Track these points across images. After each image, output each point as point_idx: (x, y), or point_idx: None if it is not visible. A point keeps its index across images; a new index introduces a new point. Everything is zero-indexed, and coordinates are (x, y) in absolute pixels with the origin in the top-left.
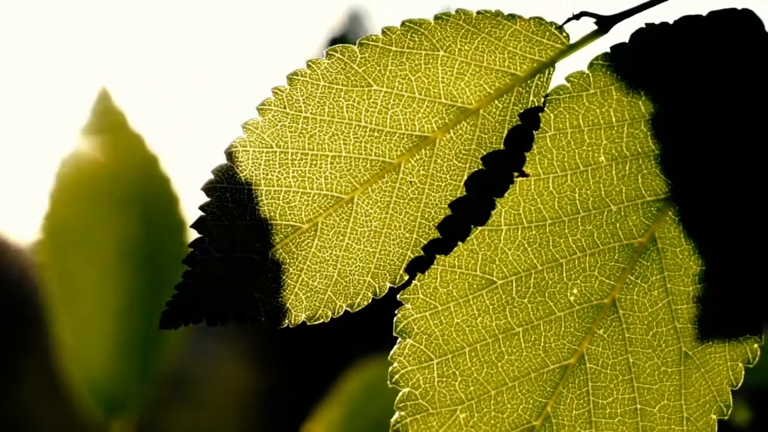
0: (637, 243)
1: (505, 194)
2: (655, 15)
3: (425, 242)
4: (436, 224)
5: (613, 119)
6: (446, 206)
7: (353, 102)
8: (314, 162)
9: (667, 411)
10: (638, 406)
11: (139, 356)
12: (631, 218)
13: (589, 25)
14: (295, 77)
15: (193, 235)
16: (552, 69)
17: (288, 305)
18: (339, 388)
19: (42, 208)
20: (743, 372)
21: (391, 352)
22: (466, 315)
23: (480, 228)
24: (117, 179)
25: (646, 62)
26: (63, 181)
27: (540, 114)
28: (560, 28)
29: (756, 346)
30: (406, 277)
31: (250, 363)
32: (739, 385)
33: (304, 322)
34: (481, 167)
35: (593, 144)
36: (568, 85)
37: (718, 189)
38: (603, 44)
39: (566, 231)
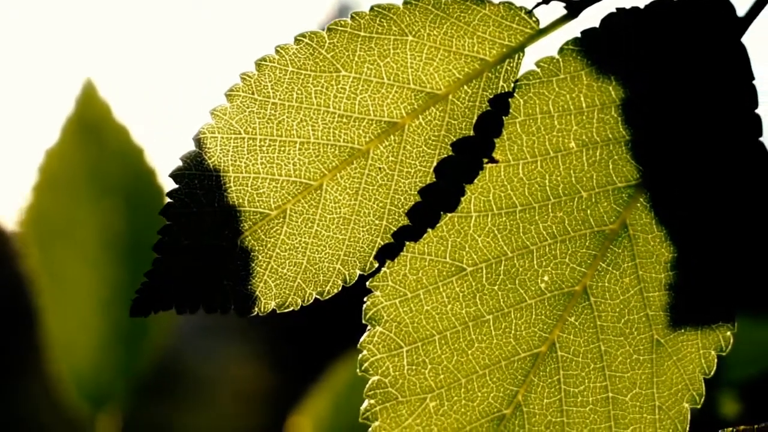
0: (609, 230)
1: (475, 180)
2: (627, 0)
3: (395, 229)
4: (406, 211)
5: (584, 104)
6: (416, 193)
7: (321, 88)
8: (282, 148)
9: (639, 399)
10: (610, 395)
11: (125, 349)
12: (602, 205)
13: (559, 9)
14: (263, 63)
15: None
16: (522, 54)
17: (257, 293)
18: (326, 379)
19: (25, 200)
20: (716, 360)
21: (361, 340)
22: (436, 302)
23: (450, 215)
24: (101, 171)
25: (617, 47)
26: (47, 173)
27: (510, 99)
28: (530, 12)
29: (729, 334)
30: (376, 265)
31: (259, 362)
32: (712, 373)
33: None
34: (450, 153)
35: (563, 130)
36: (538, 70)
37: (689, 175)
38: (575, 29)
39: (537, 218)
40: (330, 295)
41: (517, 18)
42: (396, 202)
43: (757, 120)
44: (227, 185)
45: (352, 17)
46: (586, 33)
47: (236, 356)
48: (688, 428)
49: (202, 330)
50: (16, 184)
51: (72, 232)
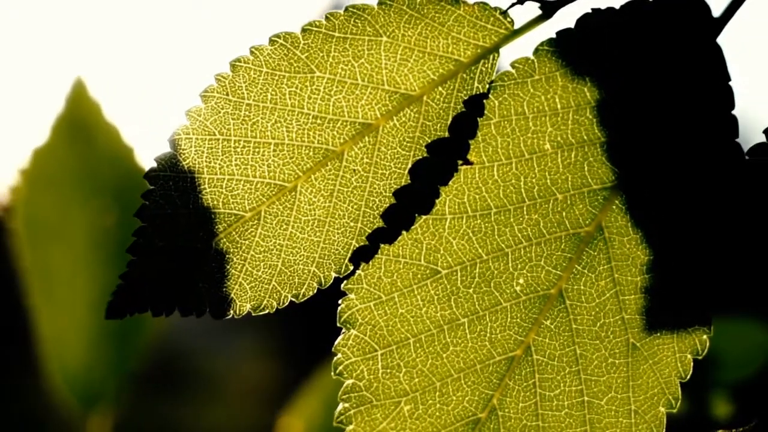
0: (584, 232)
1: (450, 182)
2: (602, 0)
3: (369, 231)
4: (381, 213)
5: (559, 106)
6: (391, 195)
7: (296, 89)
8: (257, 150)
9: (615, 403)
10: (585, 399)
11: (116, 348)
12: (577, 207)
13: (533, 10)
14: (237, 64)
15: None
16: (497, 55)
17: (232, 295)
18: (316, 379)
19: (15, 198)
20: (692, 364)
21: (335, 343)
22: (411, 305)
23: (424, 217)
24: (91, 170)
25: (592, 48)
26: (37, 172)
27: (485, 101)
28: (504, 13)
29: (705, 337)
30: (351, 267)
31: (272, 358)
32: (688, 377)
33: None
34: (425, 155)
35: (538, 131)
36: (513, 71)
37: (665, 177)
38: (551, 30)
39: (512, 220)
40: (305, 298)
41: (491, 18)
42: (371, 204)
43: (734, 121)
44: (202, 187)
45: (326, 17)
46: (561, 34)
47: (248, 353)
48: None
49: (213, 327)
50: (4, 182)
51: (62, 231)
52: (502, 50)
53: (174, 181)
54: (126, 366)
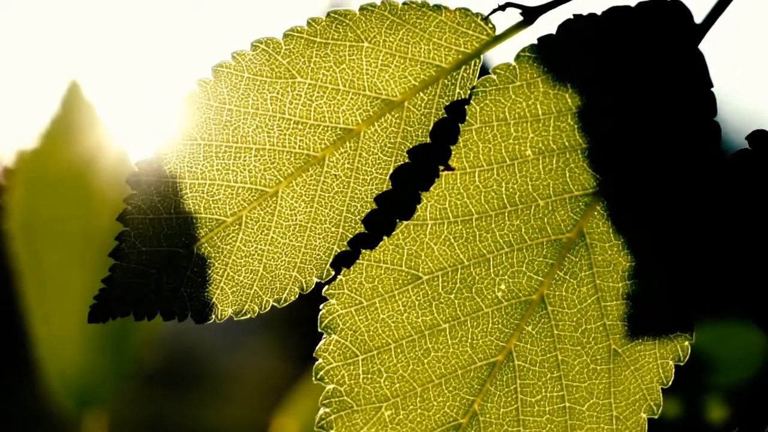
0: (566, 238)
1: (431, 188)
2: (583, 6)
3: (351, 236)
4: (362, 218)
5: (540, 112)
6: (372, 200)
7: (277, 94)
8: (238, 155)
9: (596, 409)
10: (567, 404)
11: (112, 350)
12: (558, 213)
13: (515, 16)
14: (219, 69)
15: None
16: (478, 61)
17: (214, 300)
18: (310, 378)
19: (9, 199)
20: (673, 370)
21: (317, 348)
22: (392, 311)
23: (405, 222)
24: (86, 173)
25: (573, 54)
26: (33, 173)
27: (466, 107)
28: (486, 19)
29: (687, 344)
30: (333, 272)
31: (287, 356)
32: (670, 383)
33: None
34: (406, 160)
35: (519, 137)
36: (495, 77)
37: (646, 183)
38: (533, 36)
39: (493, 226)
40: (287, 303)
41: (473, 24)
42: (352, 210)
43: (716, 128)
44: (184, 192)
45: (308, 23)
46: (542, 40)
47: (263, 351)
48: None
49: (233, 325)
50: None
51: (58, 232)
52: (483, 56)
53: (156, 185)
54: (122, 367)
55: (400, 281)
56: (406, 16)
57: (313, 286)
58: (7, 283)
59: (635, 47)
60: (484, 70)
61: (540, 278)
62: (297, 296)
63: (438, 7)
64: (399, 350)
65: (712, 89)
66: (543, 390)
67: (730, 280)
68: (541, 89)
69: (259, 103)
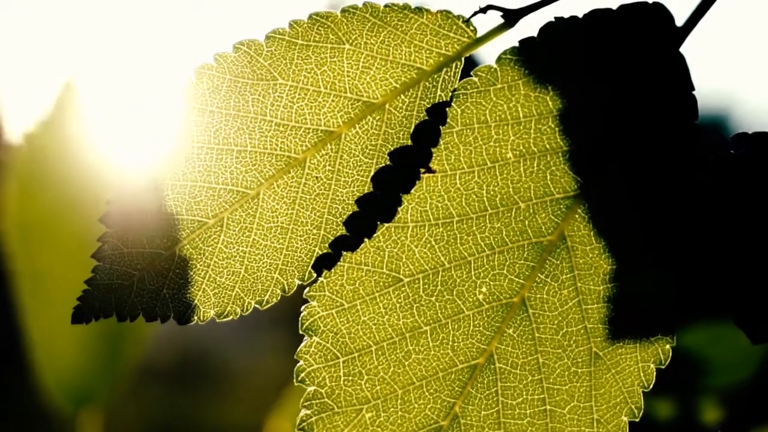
0: (547, 241)
1: (412, 191)
2: (565, 9)
3: (332, 238)
4: (343, 220)
5: (521, 115)
6: (353, 202)
7: (259, 96)
8: (219, 156)
9: (577, 412)
10: (548, 407)
11: (108, 349)
12: (540, 216)
13: (496, 18)
14: (201, 70)
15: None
16: (460, 63)
17: (196, 301)
18: None
19: (5, 200)
20: (654, 373)
21: (298, 350)
22: (373, 313)
23: (387, 225)
24: (80, 172)
25: (555, 57)
26: (28, 172)
27: (447, 109)
28: (467, 21)
29: (668, 347)
30: (315, 274)
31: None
32: (651, 386)
33: None
34: (388, 163)
35: (501, 140)
36: (476, 79)
37: (628, 186)
38: (515, 38)
39: (474, 228)
40: (269, 305)
41: (454, 27)
42: (333, 212)
43: (697, 131)
44: (165, 193)
45: (290, 25)
46: (524, 42)
47: (275, 348)
48: None
49: (240, 322)
50: None
51: (53, 231)
52: (464, 58)
53: (138, 186)
54: (118, 366)
55: (381, 283)
56: (388, 18)
57: (295, 288)
58: (2, 282)
59: (617, 50)
60: (468, 72)
61: (521, 281)
62: (279, 298)
63: (419, 10)
64: (380, 352)
65: (694, 92)
66: (524, 393)
67: (712, 282)
68: (522, 92)
69: (241, 105)
